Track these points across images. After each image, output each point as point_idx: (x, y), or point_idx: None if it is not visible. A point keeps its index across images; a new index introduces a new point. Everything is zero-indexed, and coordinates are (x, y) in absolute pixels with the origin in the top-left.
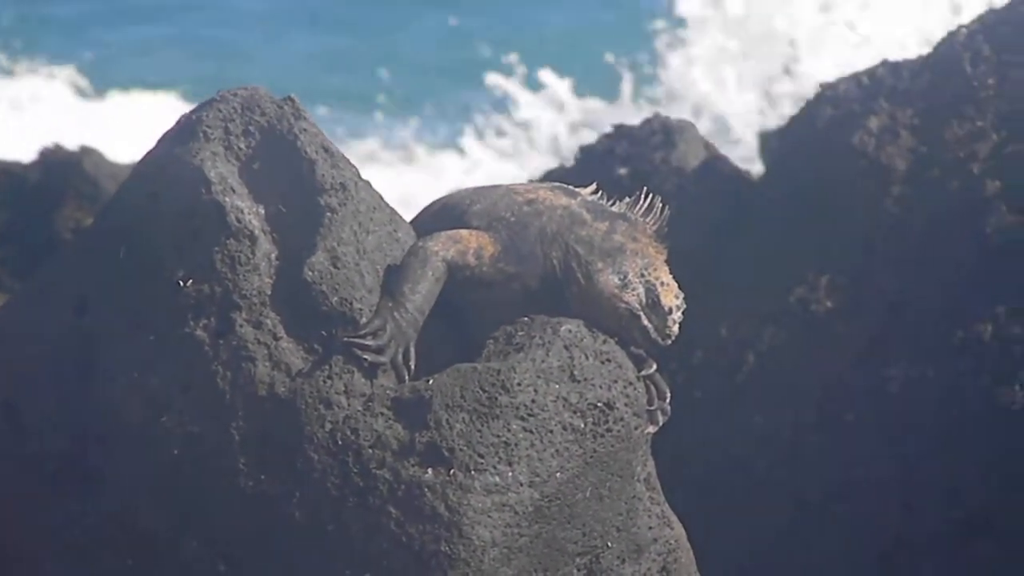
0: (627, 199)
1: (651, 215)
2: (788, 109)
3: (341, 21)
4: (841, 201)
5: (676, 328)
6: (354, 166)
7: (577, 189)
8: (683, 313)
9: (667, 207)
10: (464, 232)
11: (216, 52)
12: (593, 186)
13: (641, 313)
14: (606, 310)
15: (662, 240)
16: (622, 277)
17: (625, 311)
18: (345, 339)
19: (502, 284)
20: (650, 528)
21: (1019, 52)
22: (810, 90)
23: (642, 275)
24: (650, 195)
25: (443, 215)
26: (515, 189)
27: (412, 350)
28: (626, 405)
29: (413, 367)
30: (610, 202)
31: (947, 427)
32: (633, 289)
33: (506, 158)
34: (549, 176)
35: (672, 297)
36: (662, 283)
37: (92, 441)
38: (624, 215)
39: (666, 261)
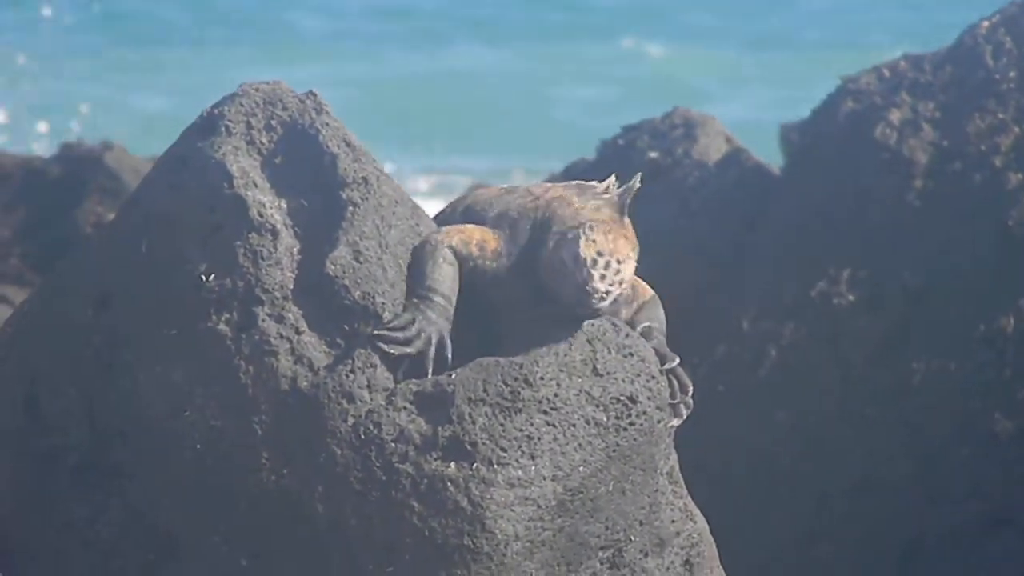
0: (613, 181)
1: (623, 189)
2: None
3: None
4: (863, 194)
5: (597, 284)
6: (376, 160)
7: (595, 184)
8: (608, 270)
9: (640, 183)
10: (469, 226)
11: None
12: (611, 178)
13: (566, 264)
14: (548, 269)
15: (621, 209)
16: (562, 235)
17: (557, 262)
18: (372, 333)
19: (510, 282)
20: (673, 522)
21: None
22: None
23: (583, 234)
24: (639, 176)
25: (467, 216)
26: (531, 189)
27: (447, 339)
28: (649, 399)
29: (451, 356)
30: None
31: (969, 420)
32: (567, 246)
33: None
34: (570, 169)
35: (592, 251)
36: (588, 239)
37: (114, 436)
38: (603, 194)
39: (620, 231)
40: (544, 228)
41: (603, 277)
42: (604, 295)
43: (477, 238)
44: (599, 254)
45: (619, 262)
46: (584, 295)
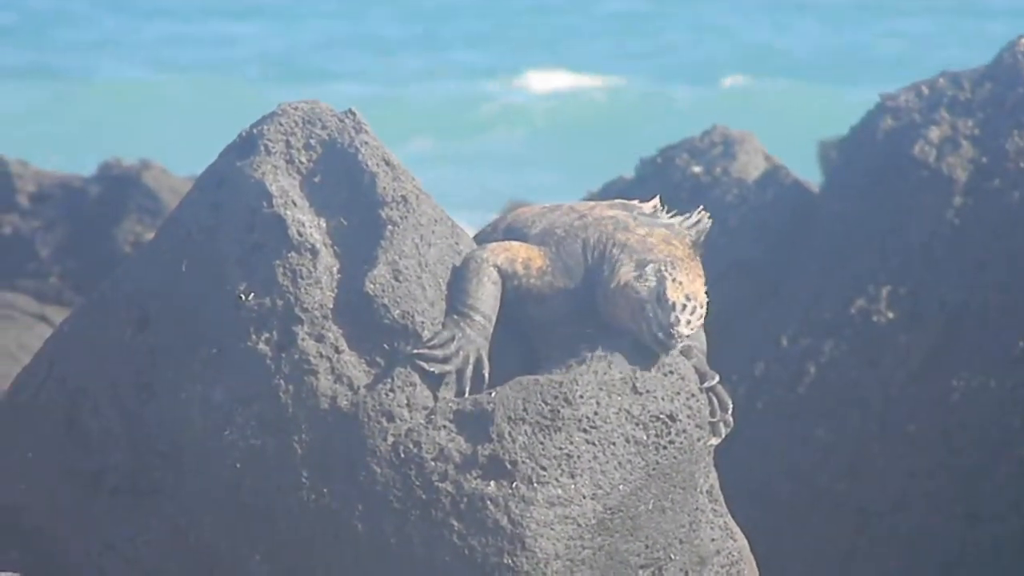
0: (686, 213)
1: (695, 226)
2: None
3: None
4: (901, 212)
5: (683, 328)
6: (416, 178)
7: (638, 203)
8: (693, 315)
9: (713, 220)
10: (515, 243)
11: None
12: (655, 199)
13: (647, 303)
14: (620, 302)
15: (697, 248)
16: (639, 269)
17: (635, 299)
18: (412, 352)
19: (554, 299)
20: (713, 540)
21: None
22: None
23: (659, 270)
24: (702, 210)
25: (508, 234)
26: (576, 207)
27: (485, 358)
28: (688, 417)
29: (488, 376)
30: (670, 214)
31: (1009, 437)
32: (646, 280)
33: None
34: (609, 188)
35: (680, 294)
36: (674, 280)
37: (154, 456)
38: (668, 224)
39: (697, 271)
40: (601, 252)
41: (688, 323)
42: (685, 339)
43: (523, 256)
44: (687, 299)
45: (701, 306)
46: (668, 338)
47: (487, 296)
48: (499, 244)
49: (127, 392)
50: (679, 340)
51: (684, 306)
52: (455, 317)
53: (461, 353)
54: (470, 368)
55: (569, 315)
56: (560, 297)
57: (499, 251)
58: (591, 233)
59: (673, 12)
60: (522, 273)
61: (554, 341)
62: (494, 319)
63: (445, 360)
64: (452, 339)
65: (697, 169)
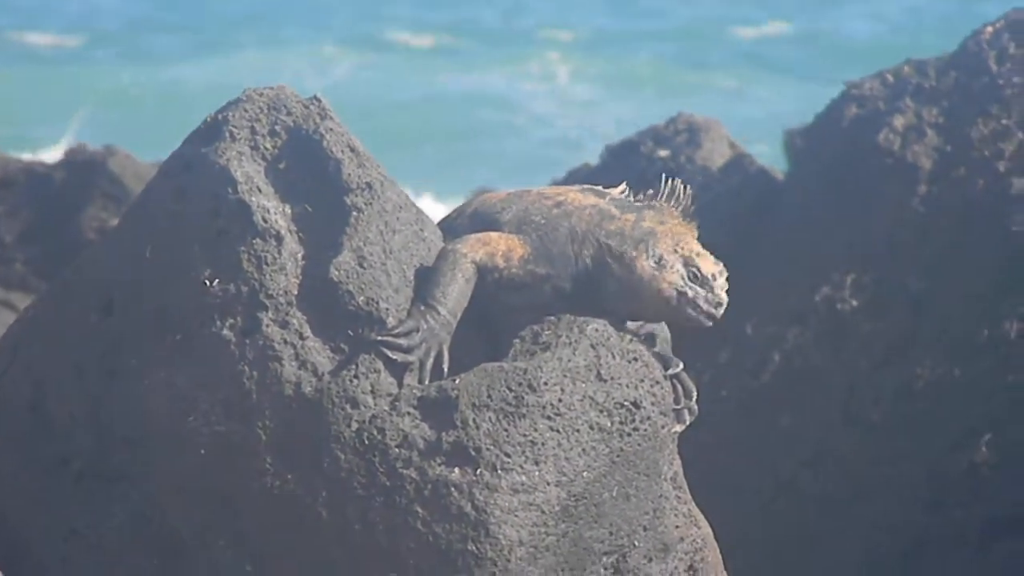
0: (650, 191)
1: (674, 197)
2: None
3: None
4: (866, 200)
5: (725, 295)
6: (380, 165)
7: (607, 189)
8: (727, 279)
9: (688, 187)
10: (493, 235)
11: None
12: (623, 185)
13: (687, 288)
14: (650, 296)
15: (690, 217)
16: (657, 259)
17: (670, 290)
18: (376, 338)
19: (532, 286)
20: (677, 527)
21: None
22: None
23: (676, 251)
24: (671, 179)
25: (476, 220)
26: (545, 193)
27: (445, 352)
28: (653, 404)
29: (447, 369)
30: (636, 197)
31: (973, 426)
32: (672, 267)
33: None
34: (574, 175)
35: (711, 264)
36: (697, 254)
37: (118, 441)
38: (650, 204)
39: (696, 238)
40: (596, 245)
41: (726, 288)
42: (726, 304)
43: (503, 248)
44: (715, 265)
45: (724, 266)
46: (718, 308)
47: (457, 292)
48: (477, 237)
49: (92, 378)
50: (723, 310)
51: (719, 272)
52: (422, 308)
53: (424, 345)
54: (431, 361)
55: (544, 304)
56: (540, 284)
57: (478, 245)
58: (575, 222)
59: None
60: (503, 265)
61: (521, 327)
62: (459, 315)
63: (408, 350)
64: (416, 329)
65: (664, 153)
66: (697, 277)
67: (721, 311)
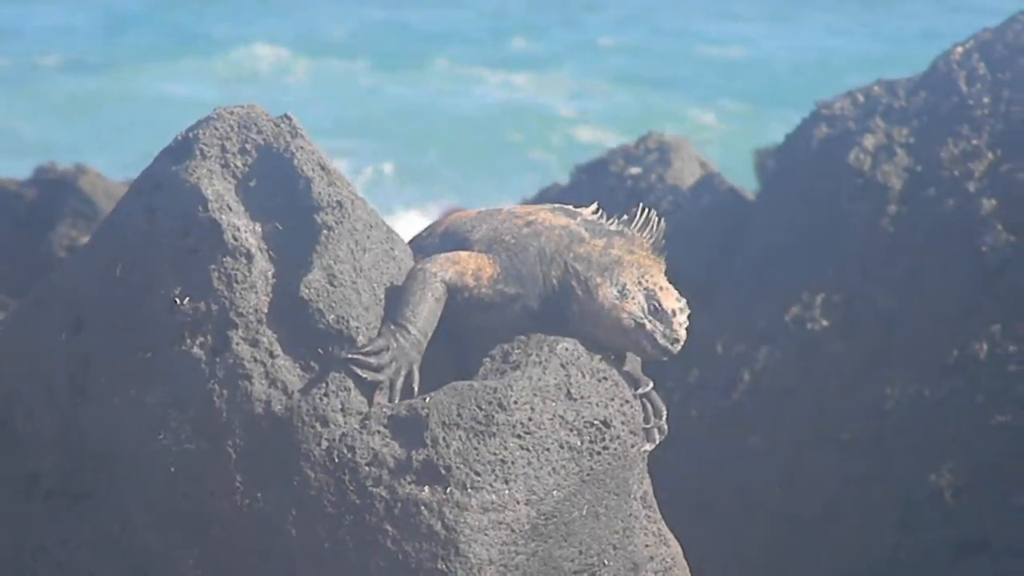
0: (624, 216)
1: (647, 228)
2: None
3: None
4: (836, 219)
5: (683, 332)
6: (351, 184)
7: (578, 209)
8: (688, 317)
9: (663, 220)
10: (463, 254)
11: None
12: (594, 205)
13: (645, 320)
14: (609, 324)
15: (659, 251)
16: (620, 288)
17: (629, 321)
18: (346, 356)
19: (502, 306)
20: (647, 546)
21: (1014, 71)
22: None
23: (639, 283)
24: (647, 210)
25: (447, 239)
26: (516, 212)
27: (416, 371)
28: (623, 423)
29: (417, 388)
30: (609, 220)
31: (943, 445)
32: (632, 297)
33: None
34: (544, 195)
35: (673, 300)
36: (660, 287)
37: (88, 459)
38: (621, 231)
39: (664, 272)
40: (563, 267)
41: (684, 324)
42: (683, 340)
43: (473, 267)
44: (678, 301)
45: (687, 305)
46: (674, 344)
47: (427, 312)
48: (447, 257)
49: (61, 395)
50: (680, 347)
51: (680, 310)
52: (392, 327)
53: (394, 363)
54: (401, 380)
55: (514, 323)
56: (509, 305)
57: (447, 265)
58: (544, 243)
59: None
60: (472, 285)
61: (491, 346)
62: (429, 334)
63: (378, 369)
64: (387, 348)
65: (636, 170)
66: (657, 311)
67: (678, 347)
